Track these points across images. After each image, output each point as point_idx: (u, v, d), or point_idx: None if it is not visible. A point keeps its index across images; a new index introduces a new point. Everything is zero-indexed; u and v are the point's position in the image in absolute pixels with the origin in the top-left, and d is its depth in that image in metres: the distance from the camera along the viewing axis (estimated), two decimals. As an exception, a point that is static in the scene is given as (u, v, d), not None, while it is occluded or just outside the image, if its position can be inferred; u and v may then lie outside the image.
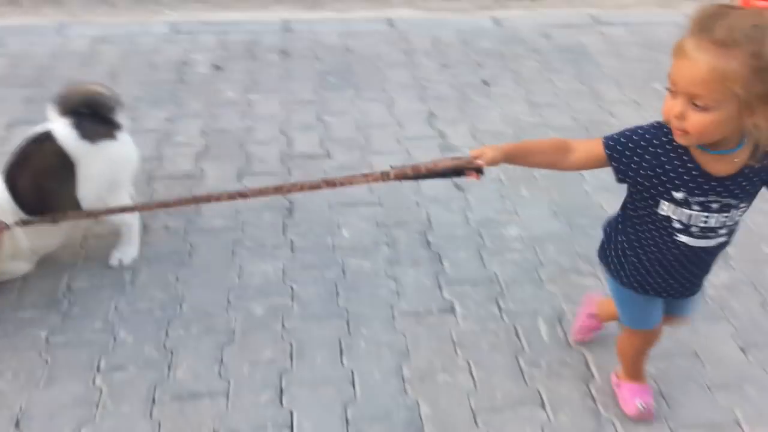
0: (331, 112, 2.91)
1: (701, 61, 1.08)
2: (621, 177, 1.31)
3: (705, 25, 1.09)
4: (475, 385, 1.76)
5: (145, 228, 2.19)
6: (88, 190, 1.91)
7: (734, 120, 1.13)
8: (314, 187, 1.56)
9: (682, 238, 1.33)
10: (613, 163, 1.29)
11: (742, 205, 1.30)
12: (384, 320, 1.94)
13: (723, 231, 1.33)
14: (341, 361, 1.80)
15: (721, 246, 1.37)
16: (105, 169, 1.96)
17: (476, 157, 1.32)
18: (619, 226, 1.44)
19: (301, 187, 1.58)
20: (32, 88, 2.93)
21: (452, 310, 1.98)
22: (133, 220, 2.08)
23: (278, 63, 3.27)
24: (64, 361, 1.74)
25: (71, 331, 1.82)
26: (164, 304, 1.93)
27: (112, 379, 1.70)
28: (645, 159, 1.27)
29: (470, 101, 3.03)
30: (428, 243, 2.23)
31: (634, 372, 1.69)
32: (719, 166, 1.24)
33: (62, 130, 1.90)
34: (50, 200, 1.88)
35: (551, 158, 1.36)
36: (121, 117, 2.07)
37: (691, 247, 1.33)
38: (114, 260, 2.04)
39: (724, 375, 1.81)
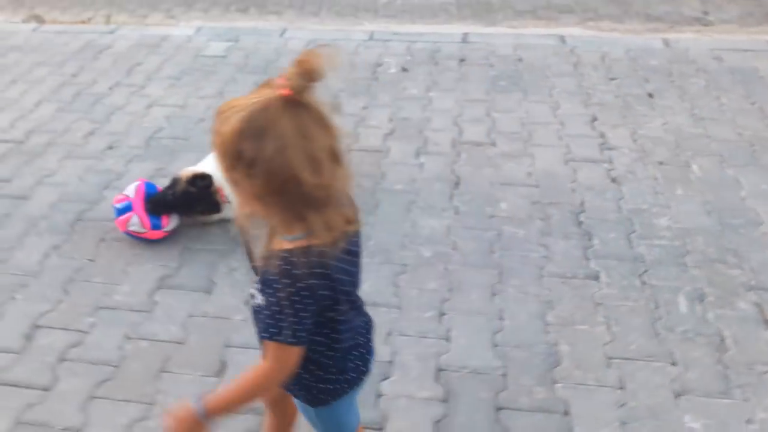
0: (499, 110, 3.26)
1: None
2: None
3: None
4: (611, 337, 2.00)
5: (342, 183, 2.70)
6: None
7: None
8: None
9: None
10: None
11: (259, 295, 1.11)
12: (532, 276, 2.24)
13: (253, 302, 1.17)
14: (492, 301, 2.13)
15: (259, 325, 1.17)
16: None
17: None
18: None
19: None
20: (260, 75, 3.63)
21: (596, 277, 2.23)
22: None
23: (456, 68, 3.70)
24: (280, 267, 2.27)
25: (285, 248, 2.35)
26: (354, 239, 2.40)
27: (313, 284, 2.19)
28: None
29: (633, 110, 3.23)
30: (580, 222, 2.48)
31: None
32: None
33: None
34: None
35: None
36: None
37: None
38: None
39: None
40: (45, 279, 2.25)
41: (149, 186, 2.44)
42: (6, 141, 3.09)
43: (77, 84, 3.60)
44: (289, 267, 1.03)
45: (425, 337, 1.99)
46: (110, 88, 3.54)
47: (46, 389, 1.85)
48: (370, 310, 2.11)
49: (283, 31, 4.22)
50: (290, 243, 1.05)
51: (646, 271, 2.25)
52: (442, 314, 2.07)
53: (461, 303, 2.12)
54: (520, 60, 3.76)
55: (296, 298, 1.04)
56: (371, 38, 4.10)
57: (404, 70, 3.70)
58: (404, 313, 2.08)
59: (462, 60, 3.79)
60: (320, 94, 1.01)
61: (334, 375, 1.23)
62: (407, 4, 5.01)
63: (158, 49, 3.99)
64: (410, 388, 1.83)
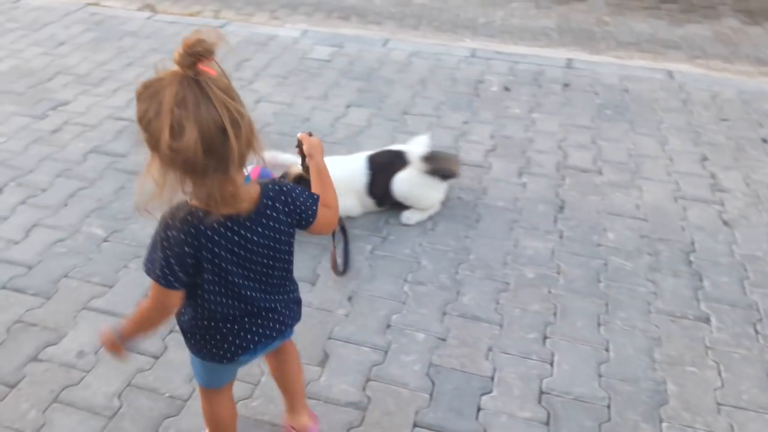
0: (606, 138, 3.20)
1: None
2: None
3: None
4: (722, 383, 1.91)
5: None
6: (401, 187, 2.49)
7: None
8: None
9: None
10: None
11: None
12: (640, 311, 2.16)
13: None
14: (598, 330, 2.07)
15: None
16: (417, 186, 2.50)
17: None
18: None
19: None
20: (363, 82, 3.69)
21: (707, 320, 2.13)
22: (435, 206, 2.57)
23: (560, 92, 3.66)
24: (382, 269, 2.27)
25: (388, 251, 2.36)
26: (456, 250, 2.39)
27: (415, 290, 2.19)
28: None
29: (746, 153, 3.10)
30: (690, 262, 2.39)
31: None
32: None
33: (416, 159, 2.52)
34: (384, 189, 2.51)
35: None
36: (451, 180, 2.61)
37: None
38: (404, 218, 2.53)
39: None
40: (156, 253, 2.33)
41: (264, 172, 2.51)
42: (122, 119, 3.24)
43: (189, 72, 3.74)
44: (165, 215, 1.18)
45: (528, 358, 1.95)
46: (221, 79, 3.66)
47: (155, 357, 1.90)
48: (469, 322, 2.12)
49: (386, 42, 4.28)
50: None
51: (760, 320, 2.14)
52: (545, 337, 2.03)
53: (566, 329, 2.06)
54: (626, 91, 3.69)
55: (165, 244, 1.17)
56: (473, 55, 4.11)
57: (506, 89, 3.68)
58: (506, 331, 2.04)
59: (566, 85, 3.74)
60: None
61: (196, 339, 1.33)
62: (507, 25, 5.01)
63: (266, 48, 4.11)
64: (511, 406, 1.80)
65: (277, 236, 1.25)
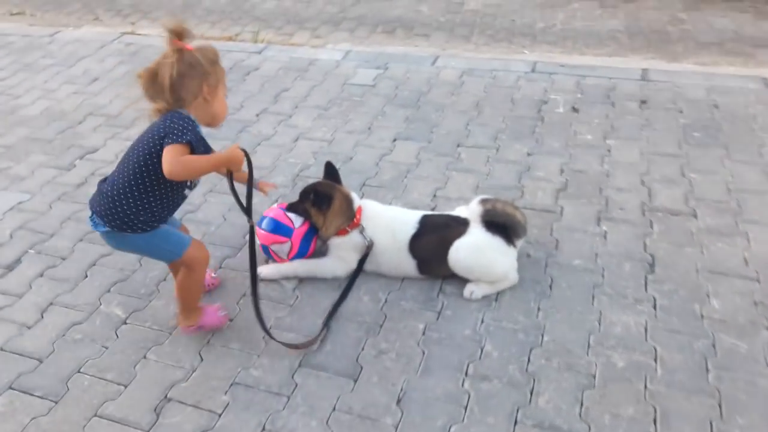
0: (697, 168, 2.72)
1: None
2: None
3: None
4: None
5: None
6: (461, 255, 2.10)
7: None
8: None
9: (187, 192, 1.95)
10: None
11: None
12: (764, 413, 1.72)
13: None
14: (713, 443, 1.65)
15: None
16: (482, 252, 2.11)
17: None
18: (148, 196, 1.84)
19: None
20: (410, 109, 3.33)
21: None
22: (509, 278, 2.14)
23: (637, 112, 3.19)
24: (438, 358, 1.90)
25: (443, 331, 1.99)
26: (526, 330, 1.99)
27: (479, 388, 1.81)
28: None
29: None
30: (822, 338, 1.92)
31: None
32: None
33: (477, 226, 2.13)
34: (431, 252, 2.15)
35: None
36: (519, 242, 2.19)
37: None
38: (467, 292, 2.12)
39: None
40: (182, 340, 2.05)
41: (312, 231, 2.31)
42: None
43: (224, 106, 3.46)
44: None
45: (626, 489, 1.55)
46: (257, 115, 3.37)
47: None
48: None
49: (435, 59, 3.89)
50: None
51: None
52: (646, 456, 1.62)
53: (671, 442, 1.65)
54: (715, 106, 3.19)
55: None
56: (534, 70, 3.67)
57: (574, 110, 3.24)
58: (596, 446, 1.65)
59: (644, 101, 3.27)
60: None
61: None
62: (569, 30, 4.54)
63: (306, 74, 3.80)
64: None
65: (147, 136, 1.79)
